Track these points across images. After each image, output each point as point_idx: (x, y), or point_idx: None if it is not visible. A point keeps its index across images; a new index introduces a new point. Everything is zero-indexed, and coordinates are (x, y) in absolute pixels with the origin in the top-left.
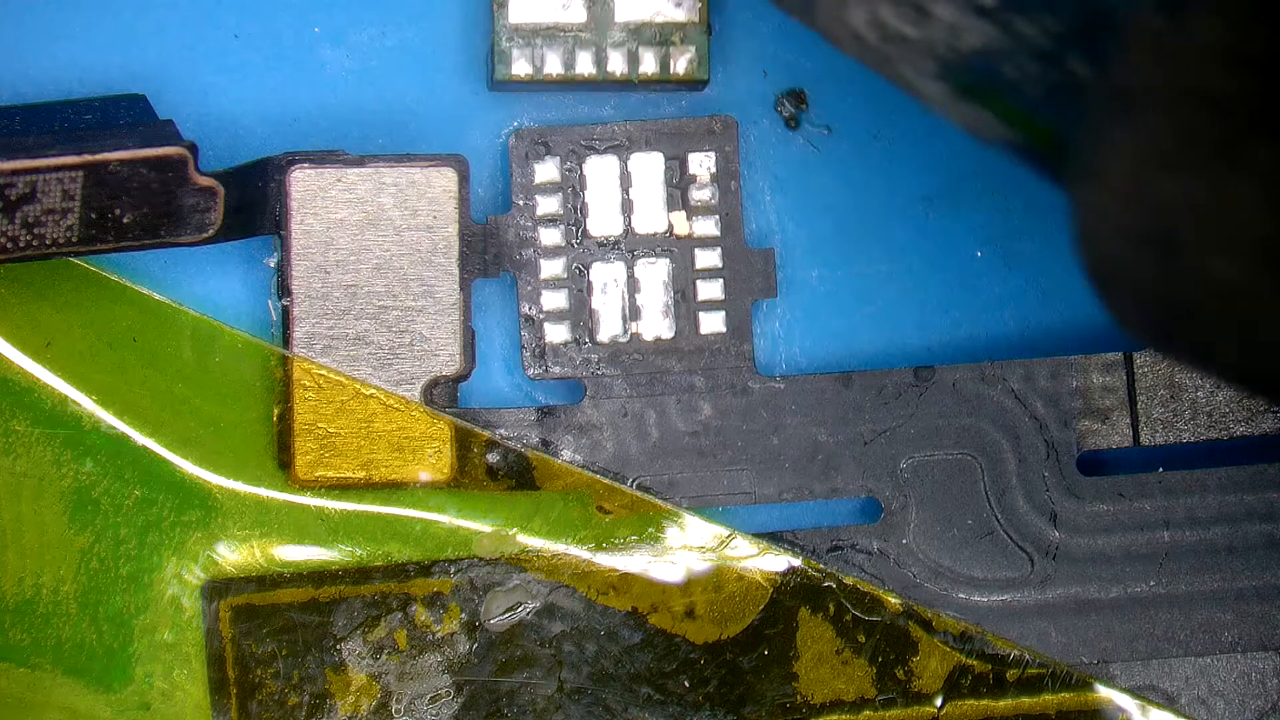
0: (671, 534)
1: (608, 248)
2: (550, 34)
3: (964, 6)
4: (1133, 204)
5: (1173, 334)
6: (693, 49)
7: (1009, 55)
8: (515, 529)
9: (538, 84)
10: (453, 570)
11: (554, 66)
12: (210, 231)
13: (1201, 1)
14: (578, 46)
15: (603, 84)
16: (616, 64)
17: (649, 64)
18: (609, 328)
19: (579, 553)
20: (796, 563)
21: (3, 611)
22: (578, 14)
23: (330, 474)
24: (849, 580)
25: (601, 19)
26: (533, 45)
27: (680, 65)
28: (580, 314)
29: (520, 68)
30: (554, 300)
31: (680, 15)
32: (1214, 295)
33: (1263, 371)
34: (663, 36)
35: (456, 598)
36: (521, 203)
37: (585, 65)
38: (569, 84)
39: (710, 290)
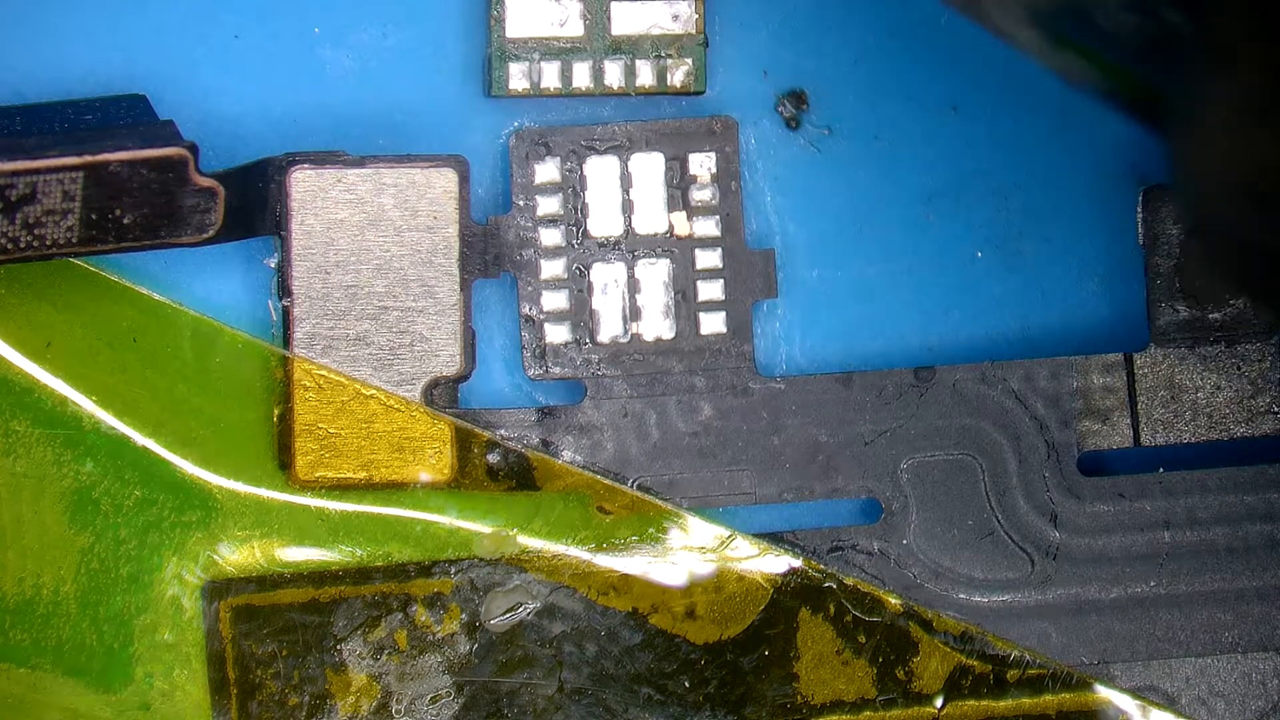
0: (672, 535)
1: (608, 248)
2: (547, 47)
3: None
4: (1232, 158)
5: (1273, 287)
6: (689, 61)
7: (1102, 4)
8: (515, 529)
9: (535, 97)
10: (453, 571)
11: (551, 80)
12: (210, 232)
13: None
14: (574, 59)
15: (600, 97)
16: (613, 77)
17: (646, 76)
18: (609, 328)
19: (579, 553)
20: (797, 563)
21: (3, 612)
22: (574, 27)
23: (330, 474)
24: (849, 581)
25: (598, 32)
26: (530, 59)
27: (677, 77)
28: (581, 314)
29: (517, 81)
30: (554, 301)
31: (677, 28)
32: None
33: None
34: (659, 49)
35: (457, 598)
36: (522, 203)
37: (582, 78)
38: (566, 97)
39: (711, 291)
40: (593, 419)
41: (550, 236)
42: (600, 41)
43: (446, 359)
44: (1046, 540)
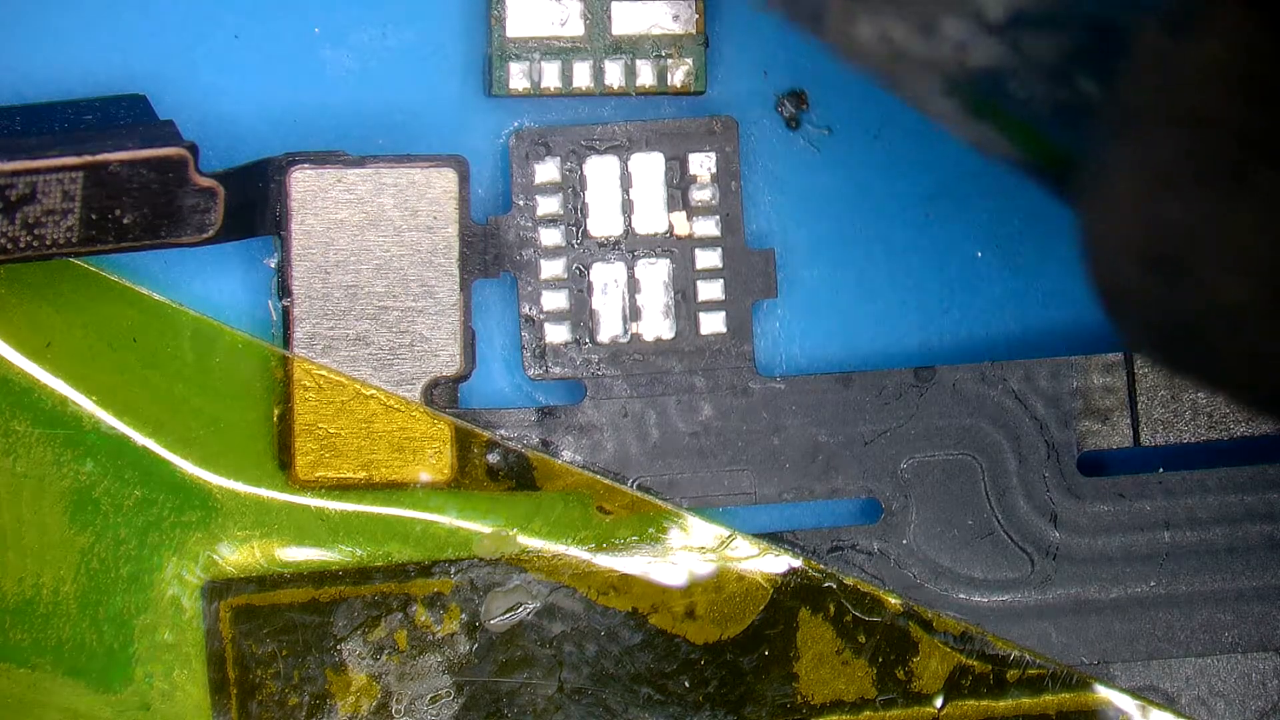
0: (672, 534)
1: (608, 248)
2: (547, 47)
3: (972, 23)
4: (1139, 225)
5: (1179, 354)
6: (690, 61)
7: (1017, 73)
8: (515, 529)
9: (535, 97)
10: (453, 571)
11: (551, 80)
12: (210, 232)
13: (1206, 23)
14: (575, 59)
15: (600, 97)
16: (614, 76)
17: (646, 76)
18: (609, 328)
19: (579, 553)
20: (797, 563)
21: (3, 612)
22: (575, 27)
23: (330, 474)
24: (849, 581)
25: (598, 32)
26: (530, 59)
27: (677, 77)
28: (580, 314)
29: (518, 81)
30: (554, 301)
31: (677, 28)
32: (1220, 316)
33: (1269, 391)
34: (660, 49)
35: (457, 598)
36: (522, 203)
37: (583, 78)
38: (566, 97)
39: (711, 290)
40: (593, 419)
41: (550, 236)
42: (600, 41)
43: (446, 359)
44: (1046, 540)
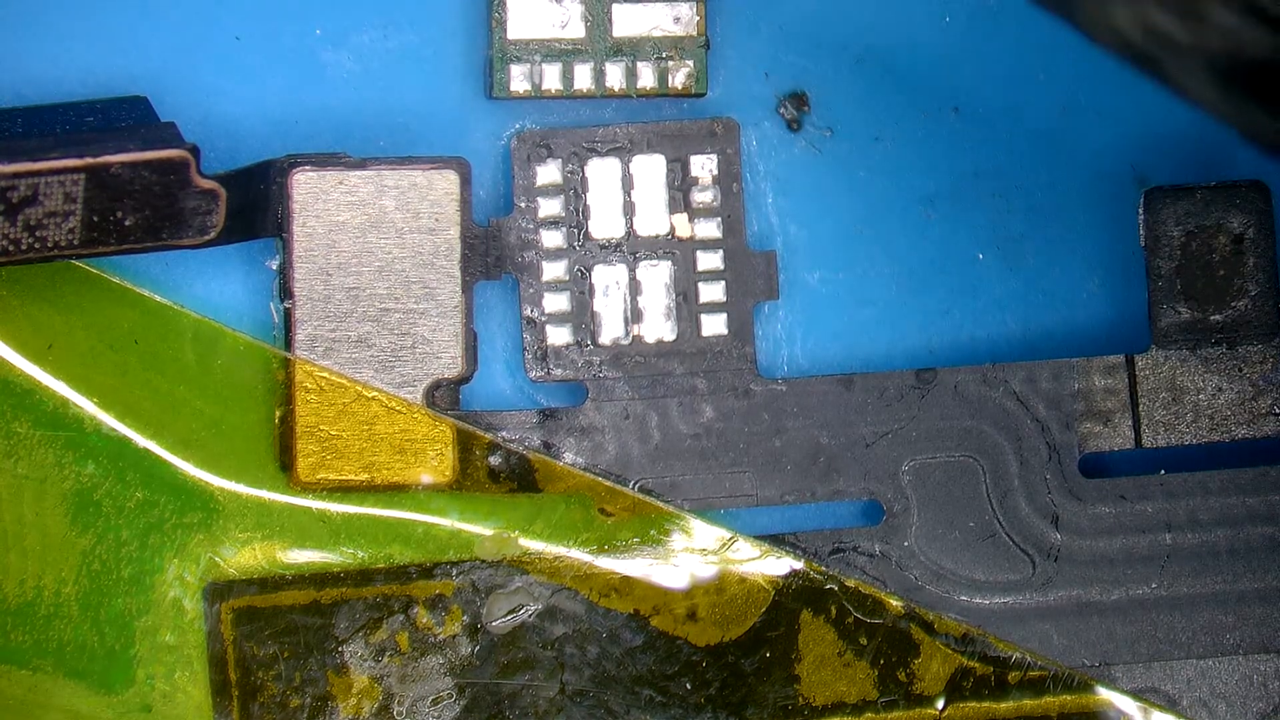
0: (673, 536)
1: (610, 250)
2: (548, 49)
3: (1243, 11)
4: None
5: None
6: (691, 63)
7: None
8: (517, 531)
9: (536, 99)
10: (454, 573)
11: (552, 82)
12: (212, 234)
13: None
14: (576, 61)
15: (601, 99)
16: (615, 79)
17: (647, 78)
18: (611, 330)
19: (581, 555)
20: (798, 565)
21: (4, 613)
22: (575, 29)
23: (332, 476)
24: (851, 582)
25: (599, 34)
26: (531, 61)
27: (678, 79)
28: (582, 316)
29: (519, 83)
30: (556, 303)
31: (678, 30)
32: None
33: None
34: (661, 51)
35: (458, 600)
36: (523, 205)
37: (584, 80)
38: (568, 99)
39: (712, 292)
40: (594, 421)
41: (552, 238)
42: (601, 43)
43: (448, 361)
44: (1048, 542)
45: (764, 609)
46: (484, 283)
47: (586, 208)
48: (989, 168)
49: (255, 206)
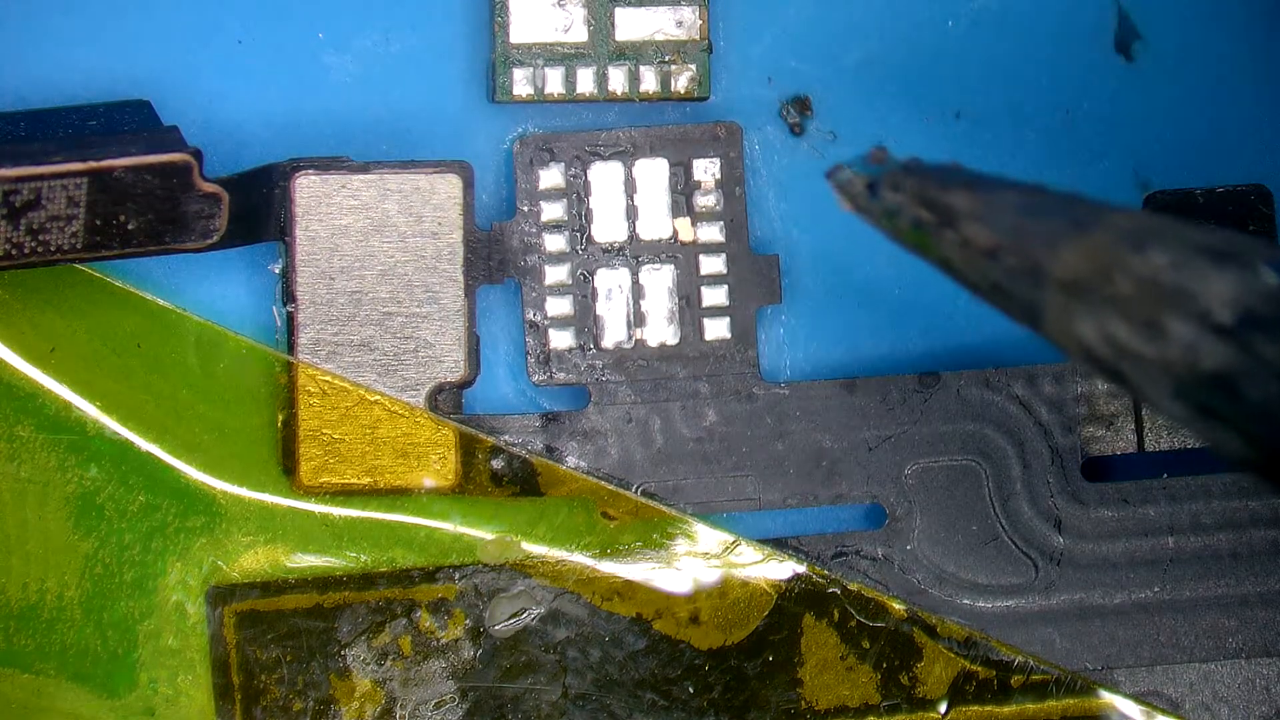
0: (676, 540)
1: (612, 254)
2: (551, 53)
3: (1200, 325)
4: None
5: None
6: (694, 67)
7: (1251, 377)
8: (519, 535)
9: (539, 103)
10: (457, 576)
11: (555, 86)
12: (215, 238)
13: None
14: (578, 65)
15: (604, 103)
16: (617, 82)
17: (650, 82)
18: (614, 334)
19: (583, 559)
20: (801, 569)
21: (7, 617)
22: (578, 33)
23: (335, 480)
24: (853, 586)
25: (602, 38)
26: (534, 65)
27: (681, 83)
28: (585, 320)
29: (521, 87)
30: (558, 306)
31: (681, 34)
32: None
33: None
34: (663, 55)
35: (461, 604)
36: (526, 209)
37: (586, 84)
38: (570, 103)
39: (715, 296)
40: (597, 424)
41: (554, 242)
42: (604, 47)
43: (451, 365)
44: (1050, 546)
45: (766, 613)
46: (486, 286)
47: (589, 212)
48: (991, 171)
49: (258, 210)
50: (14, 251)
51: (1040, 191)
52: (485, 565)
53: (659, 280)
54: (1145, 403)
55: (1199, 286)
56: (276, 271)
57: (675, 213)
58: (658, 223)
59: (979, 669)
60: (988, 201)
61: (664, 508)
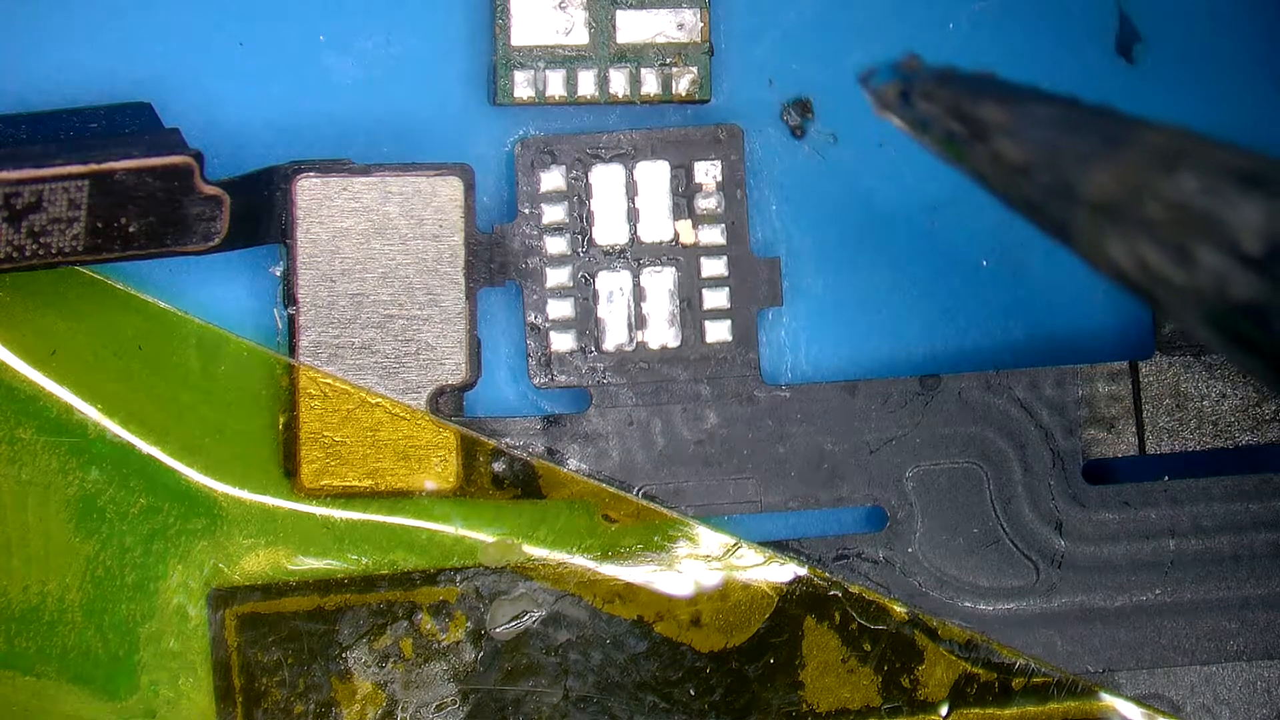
0: (677, 543)
1: (613, 256)
2: (552, 55)
3: (1229, 254)
4: None
5: None
6: (695, 69)
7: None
8: (521, 538)
9: (540, 105)
10: (458, 579)
11: (556, 88)
12: (216, 240)
13: None
14: (579, 67)
15: (605, 105)
16: (619, 85)
17: (651, 85)
18: (615, 336)
19: (584, 561)
20: (802, 571)
21: (8, 619)
22: (579, 36)
23: (336, 482)
24: (855, 589)
25: (603, 40)
26: (535, 67)
27: (682, 86)
28: (586, 322)
29: (522, 90)
30: (560, 309)
31: (682, 36)
32: None
33: None
34: (664, 57)
35: (462, 606)
36: (527, 211)
37: (587, 86)
38: (571, 105)
39: (716, 299)
40: (598, 427)
41: (555, 245)
42: (605, 50)
43: (452, 367)
44: (1052, 548)
45: (768, 615)
46: (488, 289)
47: (590, 214)
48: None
49: (259, 213)
50: (15, 254)
51: (1074, 106)
52: (486, 568)
53: (660, 283)
54: (1178, 325)
55: (1228, 214)
56: (278, 274)
57: (676, 215)
58: (659, 225)
59: (980, 671)
60: (1020, 115)
61: (665, 510)
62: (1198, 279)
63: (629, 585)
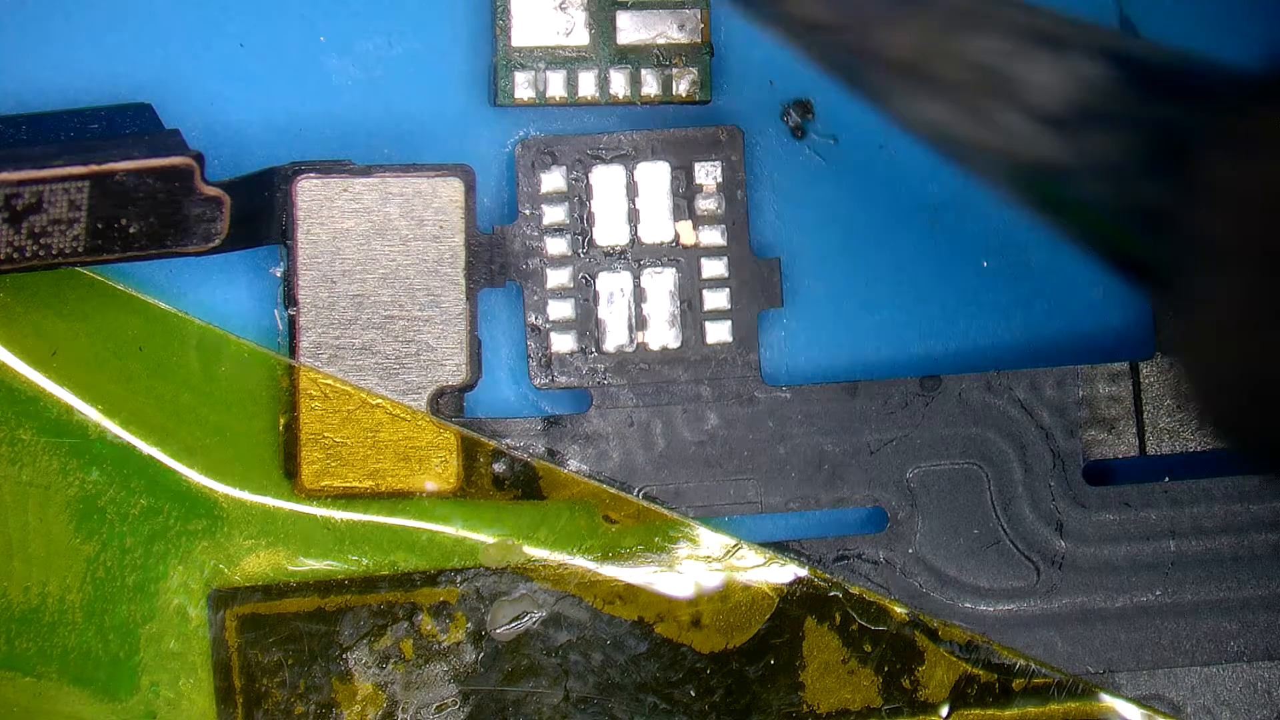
0: (678, 544)
1: (614, 257)
2: (552, 57)
3: (1027, 115)
4: (1236, 362)
5: (1265, 459)
6: (695, 70)
7: (1081, 172)
8: (521, 539)
9: (540, 106)
10: (459, 580)
11: (556, 89)
12: (216, 241)
13: (1270, 149)
14: (580, 69)
15: (605, 107)
16: (619, 86)
17: (651, 86)
18: (615, 337)
19: (585, 563)
20: (803, 572)
21: (9, 620)
22: (580, 37)
23: (336, 483)
24: (855, 590)
25: (603, 41)
26: (535, 68)
27: (682, 87)
28: (586, 323)
29: (523, 91)
30: (560, 310)
31: (682, 37)
32: None
33: None
34: (665, 58)
35: (463, 607)
36: (528, 212)
37: (588, 87)
38: (572, 106)
39: (716, 300)
40: (598, 428)
41: (556, 246)
42: (606, 51)
43: (452, 368)
44: (1052, 549)
45: (768, 616)
46: (488, 290)
47: (591, 215)
48: None
49: (260, 214)
50: (15, 255)
51: None
52: (487, 569)
53: (660, 284)
54: (986, 185)
55: (1026, 75)
56: (278, 275)
57: (677, 216)
58: (659, 226)
59: (980, 672)
60: None
61: (666, 511)
62: (998, 139)
63: (629, 586)
